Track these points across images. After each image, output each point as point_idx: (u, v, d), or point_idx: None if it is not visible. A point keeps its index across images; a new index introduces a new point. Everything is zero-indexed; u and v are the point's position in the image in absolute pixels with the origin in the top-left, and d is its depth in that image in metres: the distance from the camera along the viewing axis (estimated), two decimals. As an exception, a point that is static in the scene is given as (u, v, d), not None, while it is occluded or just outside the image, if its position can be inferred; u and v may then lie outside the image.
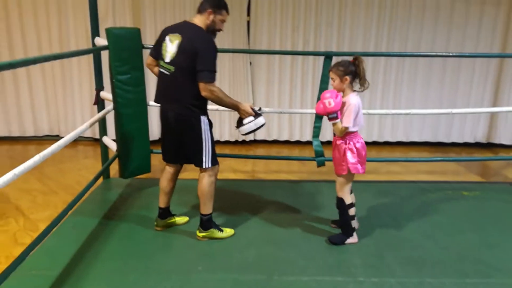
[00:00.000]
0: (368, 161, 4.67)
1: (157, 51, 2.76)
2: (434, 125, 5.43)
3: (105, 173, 3.87)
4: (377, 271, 2.55)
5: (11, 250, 2.79)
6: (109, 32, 3.25)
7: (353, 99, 2.65)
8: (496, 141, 5.44)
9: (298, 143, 5.47)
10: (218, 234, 2.90)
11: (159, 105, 2.80)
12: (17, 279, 2.35)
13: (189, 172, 4.28)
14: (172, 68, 2.63)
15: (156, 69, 2.83)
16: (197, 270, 2.53)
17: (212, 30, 2.68)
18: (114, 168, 4.00)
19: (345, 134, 2.70)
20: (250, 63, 5.18)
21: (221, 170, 4.09)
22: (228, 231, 2.95)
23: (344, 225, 2.89)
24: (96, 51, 3.53)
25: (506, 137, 5.39)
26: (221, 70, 5.15)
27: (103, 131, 3.91)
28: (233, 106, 2.71)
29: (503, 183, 4.22)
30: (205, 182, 2.79)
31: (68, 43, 5.08)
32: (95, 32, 3.62)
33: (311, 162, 4.18)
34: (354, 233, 2.88)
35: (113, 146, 3.75)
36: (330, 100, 2.59)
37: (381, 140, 5.49)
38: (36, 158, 2.25)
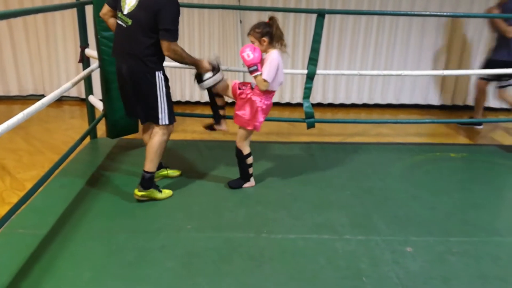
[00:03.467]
0: (357, 122, 4.73)
1: (115, 0, 2.63)
2: (425, 88, 5.41)
3: (92, 133, 3.82)
4: (363, 230, 2.59)
5: (-2, 209, 2.77)
6: (93, -15, 3.11)
7: (273, 54, 2.72)
8: (486, 104, 5.44)
9: (288, 105, 5.42)
10: (158, 195, 2.85)
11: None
12: (4, 237, 2.35)
13: (178, 133, 4.25)
14: (129, 21, 2.54)
15: (111, 20, 2.71)
16: (186, 229, 2.54)
17: None
18: (101, 129, 3.94)
19: (264, 91, 2.77)
20: (241, 21, 5.04)
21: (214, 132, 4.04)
22: (166, 192, 2.92)
23: (242, 172, 3.06)
24: (79, 5, 3.38)
25: (495, 100, 5.39)
26: (210, 28, 5.03)
27: (89, 90, 3.82)
28: (194, 64, 2.72)
29: (490, 145, 4.26)
30: (157, 139, 2.74)
31: (51, -2, 4.89)
32: (78, -15, 3.46)
33: (300, 123, 4.16)
34: (252, 178, 3.10)
35: (99, 105, 3.67)
36: (248, 53, 2.66)
37: (372, 102, 5.46)
38: (20, 115, 2.18)
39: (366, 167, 3.52)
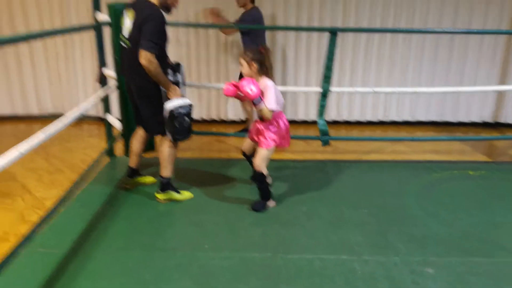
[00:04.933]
0: (372, 140, 4.72)
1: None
2: (441, 104, 5.37)
3: (110, 151, 3.88)
4: (380, 249, 2.56)
5: (18, 228, 2.81)
6: (111, 8, 3.21)
7: (266, 82, 2.81)
8: (503, 120, 5.39)
9: (303, 122, 5.44)
10: (176, 195, 3.09)
11: None
12: (25, 257, 2.38)
13: (193, 151, 4.30)
14: (128, 42, 2.81)
15: None
16: (203, 248, 2.55)
17: (165, 6, 2.82)
18: (120, 147, 4.01)
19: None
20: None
21: (226, 149, 4.10)
22: (186, 194, 3.14)
23: (263, 192, 3.04)
24: (97, 27, 3.48)
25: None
26: (227, 47, 5.10)
27: (107, 109, 3.90)
28: (164, 82, 2.78)
29: (510, 162, 4.20)
30: (165, 147, 2.97)
31: (70, 20, 5.02)
32: (96, 7, 3.56)
33: (316, 141, 4.16)
34: (271, 198, 3.08)
35: (117, 124, 3.74)
36: (251, 87, 2.69)
37: (387, 119, 5.45)
38: (41, 135, 2.24)
39: (382, 185, 3.49)
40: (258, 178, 2.98)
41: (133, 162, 3.24)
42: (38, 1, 4.98)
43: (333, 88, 3.78)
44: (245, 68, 2.83)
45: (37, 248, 2.48)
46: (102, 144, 4.27)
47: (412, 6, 5.00)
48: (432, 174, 3.75)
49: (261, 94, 2.78)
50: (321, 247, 2.59)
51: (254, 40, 4.14)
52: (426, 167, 3.91)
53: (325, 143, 3.82)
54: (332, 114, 5.39)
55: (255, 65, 2.79)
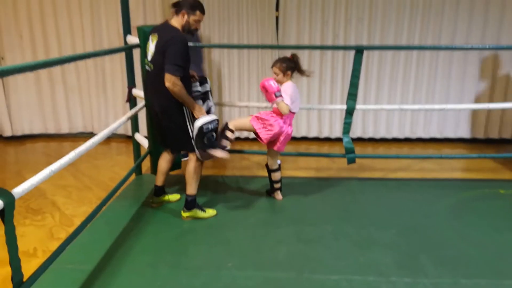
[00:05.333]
0: (399, 157, 4.63)
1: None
2: (470, 121, 5.26)
3: (137, 169, 3.94)
4: (409, 271, 2.49)
5: (48, 244, 2.88)
6: (140, 31, 3.31)
7: (287, 84, 3.11)
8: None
9: (327, 140, 5.41)
10: (201, 214, 3.12)
11: None
12: (53, 272, 2.42)
13: (218, 169, 4.32)
14: (151, 66, 2.91)
15: None
16: (227, 267, 2.54)
17: (188, 30, 2.92)
18: (146, 165, 4.07)
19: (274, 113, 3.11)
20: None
21: (249, 166, 4.11)
22: (210, 212, 3.17)
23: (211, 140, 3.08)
24: (128, 49, 3.59)
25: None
26: (249, 65, 5.16)
27: (135, 128, 3.98)
28: (189, 103, 2.87)
29: (544, 181, 4.04)
30: (191, 165, 3.04)
31: (101, 41, 5.20)
32: (126, 31, 3.68)
33: (340, 159, 4.13)
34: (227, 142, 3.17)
35: (145, 143, 3.81)
36: (273, 82, 3.00)
37: (414, 136, 5.36)
38: (72, 154, 2.31)
39: (410, 204, 3.42)
40: (223, 127, 3.15)
41: (159, 181, 3.31)
42: (71, 25, 5.18)
43: (359, 106, 3.75)
44: (280, 77, 3.09)
45: (65, 264, 2.53)
46: (130, 162, 4.36)
47: (439, 23, 4.95)
48: (461, 192, 3.65)
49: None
50: (347, 267, 2.54)
51: None
52: (456, 186, 3.82)
53: (351, 161, 3.78)
54: (357, 131, 5.34)
55: (289, 73, 3.09)
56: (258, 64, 5.17)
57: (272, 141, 3.21)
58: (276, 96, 2.99)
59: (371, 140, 5.43)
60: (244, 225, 3.06)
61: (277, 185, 3.45)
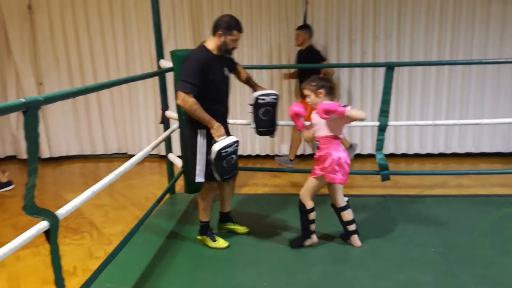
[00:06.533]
0: (435, 174, 4.53)
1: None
2: (506, 135, 5.11)
3: (171, 188, 4.00)
4: (451, 291, 2.42)
5: (87, 263, 2.95)
6: (174, 54, 3.40)
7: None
8: None
9: (358, 156, 5.35)
10: (210, 242, 3.02)
11: None
12: (94, 291, 2.48)
13: (249, 187, 4.34)
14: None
15: None
16: (262, 286, 2.52)
17: (225, 50, 2.82)
18: (179, 184, 4.13)
19: (331, 141, 2.78)
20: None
21: (282, 184, 4.09)
22: (221, 242, 3.03)
23: (303, 228, 2.97)
24: (161, 73, 3.69)
25: None
26: (277, 84, 5.20)
27: (169, 148, 4.06)
28: (206, 121, 2.71)
29: None
30: (201, 193, 2.99)
31: (134, 65, 5.37)
32: (159, 55, 3.79)
33: (374, 176, 4.07)
34: (313, 235, 2.98)
35: (178, 162, 3.88)
36: (325, 105, 2.63)
37: (448, 151, 5.24)
38: (111, 176, 2.38)
39: (448, 221, 3.32)
40: (300, 209, 2.91)
41: (221, 207, 3.23)
42: (105, 48, 5.39)
43: (391, 122, 3.71)
44: (312, 98, 2.82)
45: (105, 284, 2.57)
46: (163, 181, 4.43)
47: (470, 38, 4.89)
48: (501, 209, 3.54)
49: (305, 116, 2.90)
50: (386, 286, 2.48)
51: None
52: (495, 202, 3.69)
53: (385, 177, 3.72)
54: (390, 147, 5.26)
55: (322, 92, 2.79)
56: (286, 81, 5.20)
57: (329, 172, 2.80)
58: (344, 107, 2.62)
59: (404, 155, 5.34)
60: (278, 246, 3.03)
61: (352, 227, 2.96)
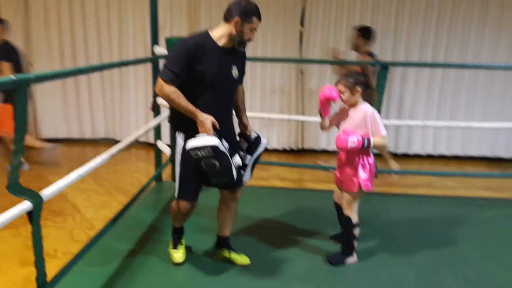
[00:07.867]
0: (421, 174, 4.57)
1: None
2: (493, 139, 5.17)
3: (158, 176, 3.98)
4: (431, 289, 2.44)
5: (68, 246, 2.92)
6: (169, 42, 3.36)
7: (369, 107, 2.48)
8: None
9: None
10: (170, 245, 2.68)
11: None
12: (74, 274, 2.44)
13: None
14: None
15: None
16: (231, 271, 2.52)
17: (239, 41, 2.28)
18: (166, 172, 4.11)
19: (360, 150, 2.46)
20: (301, 71, 5.17)
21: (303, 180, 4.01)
22: (177, 255, 2.62)
23: (346, 244, 2.68)
24: (154, 60, 3.65)
25: None
26: (272, 78, 5.19)
27: (158, 135, 4.03)
28: (190, 114, 2.22)
29: None
30: (171, 210, 2.58)
31: (127, 52, 5.30)
32: (154, 41, 3.74)
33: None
34: (354, 253, 2.69)
35: (166, 150, 3.85)
36: (352, 139, 2.37)
37: (436, 153, 5.29)
38: (98, 159, 2.35)
39: (432, 222, 3.35)
40: (344, 223, 2.64)
41: (219, 229, 2.69)
42: (99, 34, 5.31)
43: (383, 121, 3.72)
44: (347, 95, 2.46)
45: (84, 267, 2.55)
46: (150, 168, 4.40)
47: (465, 41, 4.94)
48: (485, 212, 3.58)
49: (336, 119, 2.61)
50: (369, 283, 2.50)
51: None
52: (478, 204, 3.74)
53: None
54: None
55: (359, 89, 2.45)
56: (280, 77, 5.18)
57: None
58: (367, 147, 2.41)
59: (391, 155, 5.36)
60: (258, 242, 3.04)
61: (356, 244, 2.68)
